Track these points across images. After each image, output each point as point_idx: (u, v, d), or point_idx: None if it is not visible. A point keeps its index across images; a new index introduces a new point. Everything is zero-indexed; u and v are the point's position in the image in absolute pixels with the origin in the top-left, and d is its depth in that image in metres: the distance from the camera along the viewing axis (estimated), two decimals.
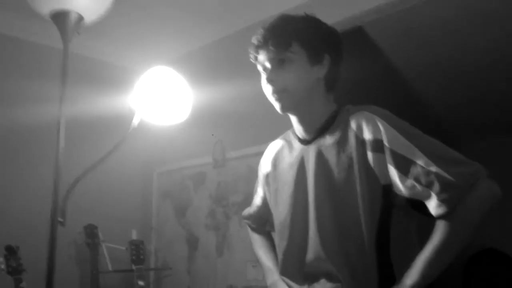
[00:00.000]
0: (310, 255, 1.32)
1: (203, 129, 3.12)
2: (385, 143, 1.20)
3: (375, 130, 1.22)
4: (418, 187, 1.17)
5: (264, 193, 1.56)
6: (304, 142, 1.37)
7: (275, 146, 1.52)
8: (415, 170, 1.17)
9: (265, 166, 1.54)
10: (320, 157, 1.30)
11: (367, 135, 1.22)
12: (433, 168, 1.15)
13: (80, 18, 1.57)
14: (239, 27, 3.07)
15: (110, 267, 2.99)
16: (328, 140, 1.30)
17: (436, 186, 1.14)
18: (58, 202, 1.53)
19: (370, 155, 1.22)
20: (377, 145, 1.21)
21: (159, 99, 1.62)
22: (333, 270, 1.26)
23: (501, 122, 4.49)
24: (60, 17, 1.54)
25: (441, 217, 1.15)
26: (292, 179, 1.37)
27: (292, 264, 1.37)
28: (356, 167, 1.23)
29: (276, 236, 1.47)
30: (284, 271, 1.41)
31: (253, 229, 1.66)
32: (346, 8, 2.59)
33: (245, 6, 2.95)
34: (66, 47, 1.55)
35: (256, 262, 1.67)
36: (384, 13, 2.58)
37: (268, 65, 1.32)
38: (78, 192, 1.65)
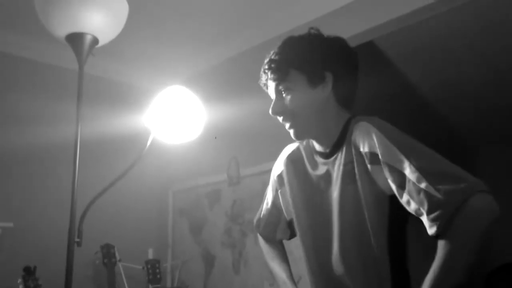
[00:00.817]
0: (335, 266, 1.31)
1: (217, 147, 3.13)
2: (380, 156, 1.17)
3: (370, 142, 1.20)
4: (413, 204, 1.13)
5: (276, 196, 1.52)
6: (323, 155, 1.35)
7: (289, 149, 1.49)
8: (408, 186, 1.13)
9: (279, 166, 1.51)
10: (337, 174, 1.29)
11: (365, 148, 1.21)
12: (423, 185, 1.09)
13: (95, 40, 1.60)
14: (251, 44, 3.09)
15: (127, 287, 2.99)
16: (343, 153, 1.29)
17: (425, 205, 1.09)
18: (75, 222, 1.54)
19: (369, 167, 1.20)
20: (374, 158, 1.19)
21: (173, 118, 1.63)
22: (349, 285, 1.26)
23: None
24: (75, 40, 1.57)
25: (436, 236, 1.10)
26: (317, 188, 1.35)
27: (315, 265, 1.37)
28: (359, 182, 1.22)
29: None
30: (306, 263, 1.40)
31: (264, 238, 1.60)
32: (357, 23, 2.60)
33: (258, 24, 2.98)
34: (81, 69, 1.58)
35: (273, 280, 1.65)
36: (396, 27, 2.59)
37: (273, 96, 1.34)
38: (94, 212, 1.66)
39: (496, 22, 2.83)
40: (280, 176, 1.49)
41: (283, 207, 1.50)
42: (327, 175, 1.32)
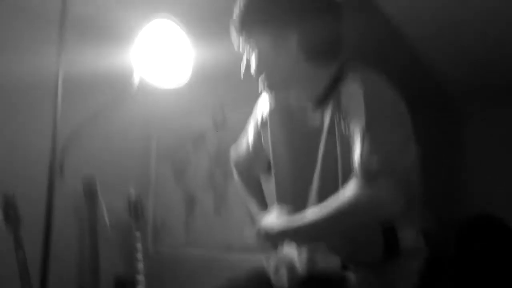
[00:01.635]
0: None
1: (204, 89, 3.10)
2: (346, 104, 1.19)
3: (351, 100, 1.19)
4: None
5: (258, 136, 1.51)
6: (313, 104, 1.32)
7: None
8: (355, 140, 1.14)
9: (264, 110, 1.48)
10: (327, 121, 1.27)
11: (345, 103, 1.20)
12: (367, 142, 1.11)
13: None
14: None
15: (107, 220, 3.02)
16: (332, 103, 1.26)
17: (359, 165, 1.11)
18: (56, 152, 1.54)
19: (340, 123, 1.21)
20: (344, 116, 1.20)
21: (160, 58, 1.59)
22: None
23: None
24: None
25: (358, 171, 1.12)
26: (305, 138, 1.34)
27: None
28: (337, 132, 1.22)
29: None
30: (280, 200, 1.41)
31: (240, 174, 1.62)
32: None
33: None
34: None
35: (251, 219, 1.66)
36: None
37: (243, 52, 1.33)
38: (78, 146, 1.66)
39: None
40: (263, 121, 1.47)
41: (264, 146, 1.48)
42: (319, 122, 1.30)
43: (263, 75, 1.29)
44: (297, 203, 1.32)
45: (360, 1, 2.94)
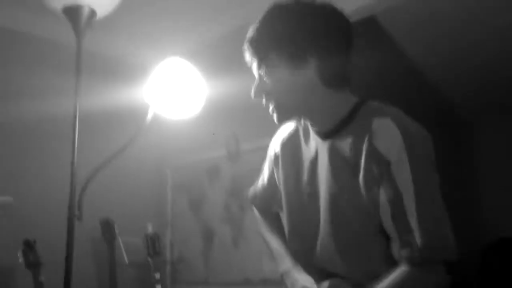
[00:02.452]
0: (319, 252, 1.30)
1: (217, 122, 3.12)
2: (390, 165, 1.14)
3: (391, 146, 1.15)
4: (389, 225, 1.15)
5: (272, 173, 1.49)
6: (320, 135, 1.29)
7: (288, 128, 1.44)
8: (397, 208, 1.14)
9: (275, 146, 1.46)
10: (335, 161, 1.24)
11: (382, 147, 1.16)
12: (412, 221, 1.12)
13: (93, 13, 1.58)
14: (253, 17, 3.04)
15: (126, 261, 3.01)
16: (346, 141, 1.22)
17: (402, 239, 1.13)
18: (75, 197, 1.54)
19: (374, 167, 1.16)
20: (382, 162, 1.15)
21: (173, 91, 1.61)
22: (346, 273, 1.25)
23: None
24: (72, 12, 1.55)
25: (404, 261, 1.15)
26: (307, 170, 1.32)
27: (297, 250, 1.36)
28: (362, 178, 1.18)
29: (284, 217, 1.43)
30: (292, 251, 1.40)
31: (259, 210, 1.58)
32: None
33: None
34: (79, 42, 1.56)
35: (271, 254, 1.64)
36: (398, 2, 2.55)
37: (256, 74, 1.29)
38: (93, 186, 1.66)
39: None
40: (276, 156, 1.45)
41: (278, 184, 1.47)
42: (316, 157, 1.29)
43: (275, 101, 1.24)
44: (306, 239, 1.31)
45: (375, 33, 2.99)
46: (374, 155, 1.15)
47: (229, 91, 2.95)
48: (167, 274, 3.37)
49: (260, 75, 1.26)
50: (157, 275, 2.85)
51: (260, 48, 1.23)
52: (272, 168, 1.48)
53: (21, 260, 2.53)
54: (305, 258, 1.33)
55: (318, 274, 1.30)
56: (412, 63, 3.56)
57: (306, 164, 1.33)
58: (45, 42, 3.12)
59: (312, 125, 1.30)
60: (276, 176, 1.46)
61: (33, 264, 2.51)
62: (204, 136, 3.23)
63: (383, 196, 1.15)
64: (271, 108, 1.26)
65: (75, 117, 1.54)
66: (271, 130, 2.85)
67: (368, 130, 1.17)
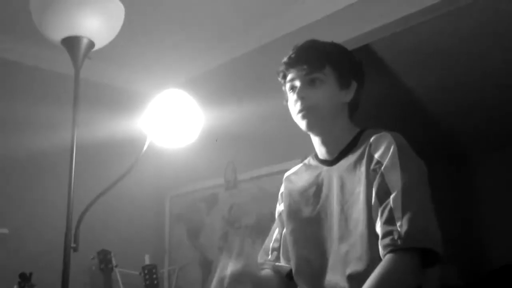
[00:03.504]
0: (331, 276, 1.30)
1: (214, 151, 3.12)
2: (382, 168, 1.23)
3: (384, 152, 1.25)
4: (378, 221, 1.21)
5: (280, 228, 1.52)
6: (326, 163, 1.38)
7: (289, 172, 1.54)
8: (385, 206, 1.20)
9: (282, 186, 1.54)
10: (343, 179, 1.32)
11: (377, 153, 1.26)
12: (398, 213, 1.17)
13: (91, 44, 1.59)
14: (248, 49, 3.09)
15: None
16: (350, 159, 1.32)
17: (387, 232, 1.18)
18: (71, 228, 1.53)
19: (370, 170, 1.26)
20: (376, 163, 1.25)
21: (170, 121, 1.62)
22: None
23: None
24: (71, 44, 1.56)
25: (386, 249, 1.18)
26: (316, 198, 1.37)
27: (307, 274, 1.36)
28: (363, 182, 1.26)
29: (284, 243, 1.45)
30: (298, 277, 1.39)
31: (272, 268, 1.51)
32: (353, 27, 2.60)
33: (255, 28, 2.97)
34: (77, 73, 1.57)
35: None
36: (392, 31, 2.58)
37: (298, 83, 1.35)
38: (90, 217, 1.65)
39: (494, 24, 2.83)
40: (281, 195, 1.52)
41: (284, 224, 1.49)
42: (328, 182, 1.36)
43: (313, 109, 1.33)
44: (315, 265, 1.33)
45: (370, 62, 3.03)
46: (370, 159, 1.27)
47: (226, 121, 2.96)
48: None
49: (308, 82, 1.34)
50: None
51: (320, 58, 1.34)
52: (282, 223, 1.51)
53: None
54: (313, 284, 1.35)
55: None
56: (410, 95, 3.60)
57: (310, 191, 1.39)
58: (44, 74, 3.15)
59: (323, 146, 1.39)
60: (282, 218, 1.50)
61: None
62: (201, 165, 3.22)
63: (374, 194, 1.22)
64: (303, 113, 1.34)
65: (72, 148, 1.53)
66: (268, 160, 2.88)
67: (368, 144, 1.29)
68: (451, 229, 4.60)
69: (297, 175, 1.49)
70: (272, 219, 1.59)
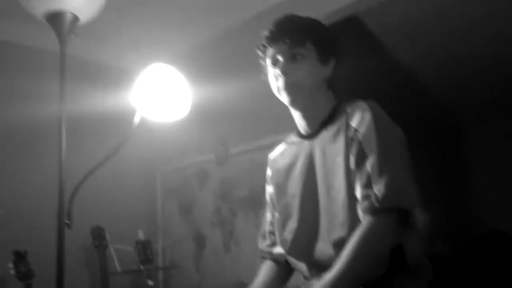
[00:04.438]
0: (320, 245, 1.32)
1: (205, 126, 3.12)
2: (359, 135, 1.27)
3: (361, 120, 1.29)
4: (358, 183, 1.25)
5: (271, 203, 1.56)
6: (307, 137, 1.42)
7: (272, 153, 1.57)
8: (362, 171, 1.24)
9: (268, 168, 1.57)
10: (324, 150, 1.35)
11: (354, 122, 1.30)
12: (375, 177, 1.21)
13: (75, 19, 1.57)
14: (237, 22, 3.05)
15: (118, 268, 2.99)
16: (330, 131, 1.35)
17: (364, 196, 1.23)
18: (64, 205, 1.53)
19: (349, 138, 1.30)
20: (353, 131, 1.29)
21: (159, 96, 1.61)
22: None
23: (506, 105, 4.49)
24: (55, 18, 1.54)
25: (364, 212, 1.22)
26: (301, 171, 1.40)
27: (301, 246, 1.39)
28: (342, 151, 1.30)
29: (279, 222, 1.47)
30: (292, 251, 1.42)
31: (269, 256, 1.56)
32: None
33: (243, 1, 2.93)
34: (63, 48, 1.55)
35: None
36: (382, 0, 2.56)
37: (280, 58, 1.36)
38: (83, 194, 1.65)
39: None
40: (267, 177, 1.57)
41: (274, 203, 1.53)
42: (310, 155, 1.39)
43: (295, 85, 1.34)
44: (306, 240, 1.36)
45: (366, 42, 3.01)
46: (348, 129, 1.30)
47: (216, 96, 2.95)
48: (159, 280, 3.36)
49: (290, 57, 1.35)
50: (150, 282, 2.85)
51: (301, 33, 1.35)
52: (272, 203, 1.54)
53: (12, 272, 2.50)
54: (305, 256, 1.38)
55: (316, 268, 1.35)
56: (400, 66, 3.58)
57: (295, 167, 1.43)
58: (29, 50, 3.10)
59: (303, 120, 1.42)
60: (273, 198, 1.53)
61: (25, 276, 2.49)
62: (192, 140, 3.22)
63: (352, 160, 1.26)
64: (287, 90, 1.36)
65: (60, 124, 1.52)
66: (258, 133, 2.88)
67: (345, 114, 1.33)
68: (440, 198, 4.68)
69: (280, 154, 1.53)
70: (264, 192, 1.61)
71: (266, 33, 1.38)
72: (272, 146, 1.65)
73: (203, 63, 3.23)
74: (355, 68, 2.96)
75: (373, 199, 1.20)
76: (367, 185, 1.22)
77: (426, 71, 3.64)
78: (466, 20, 3.05)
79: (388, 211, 1.19)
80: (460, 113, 4.68)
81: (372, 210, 1.19)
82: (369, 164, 1.23)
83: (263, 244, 1.57)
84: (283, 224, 1.44)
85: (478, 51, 3.44)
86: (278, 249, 1.50)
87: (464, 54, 3.45)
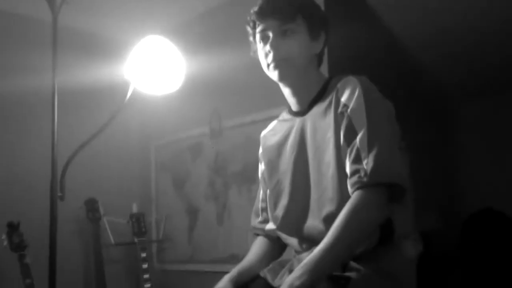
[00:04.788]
0: (311, 220, 1.33)
1: (199, 99, 3.10)
2: (348, 110, 1.27)
3: (350, 95, 1.29)
4: (347, 159, 1.26)
5: (263, 186, 1.57)
6: (298, 114, 1.42)
7: (265, 131, 1.57)
8: (353, 147, 1.25)
9: (260, 156, 1.58)
10: (315, 126, 1.35)
11: (344, 97, 1.30)
12: (364, 152, 1.22)
13: None
14: None
15: (112, 241, 3.01)
16: (321, 107, 1.36)
17: (354, 169, 1.23)
18: (57, 176, 1.53)
19: (338, 113, 1.30)
20: (344, 108, 1.29)
21: (153, 68, 1.60)
22: None
23: (499, 83, 4.49)
24: None
25: (353, 187, 1.23)
26: (292, 147, 1.41)
27: (292, 222, 1.40)
28: (332, 127, 1.30)
29: (270, 199, 1.48)
30: (282, 227, 1.43)
31: (264, 233, 1.56)
32: None
33: None
34: (55, 18, 1.52)
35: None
36: None
37: (270, 34, 1.35)
38: (76, 166, 1.64)
39: None
40: (260, 155, 1.56)
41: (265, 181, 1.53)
42: (301, 131, 1.39)
43: (286, 60, 1.34)
44: (297, 216, 1.37)
45: (360, 12, 2.97)
46: (337, 104, 1.30)
47: (210, 69, 2.93)
48: (153, 252, 3.38)
49: (280, 33, 1.34)
50: (143, 254, 2.87)
51: (291, 9, 1.34)
52: (264, 180, 1.54)
53: (5, 243, 2.51)
54: (296, 232, 1.39)
55: (307, 243, 1.36)
56: (396, 39, 3.56)
57: (287, 144, 1.43)
58: (21, 20, 3.05)
59: (293, 97, 1.42)
60: (265, 175, 1.53)
61: (18, 247, 2.51)
62: (186, 113, 3.21)
63: (342, 136, 1.27)
64: (274, 64, 1.35)
65: (53, 95, 1.51)
66: (253, 107, 2.87)
67: (335, 90, 1.33)
68: (431, 177, 4.72)
69: (272, 131, 1.52)
70: (258, 166, 1.62)
71: (255, 9, 1.37)
72: (266, 121, 1.64)
73: (197, 35, 3.19)
74: (349, 39, 2.94)
75: (362, 174, 1.20)
76: (357, 160, 1.22)
77: (418, 43, 3.63)
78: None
79: (377, 185, 1.20)
80: (451, 87, 4.68)
81: (361, 185, 1.20)
82: (358, 138, 1.24)
83: (255, 221, 1.58)
84: (275, 201, 1.45)
85: (473, 28, 3.41)
86: (270, 225, 1.51)
87: (458, 31, 3.43)
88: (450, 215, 4.64)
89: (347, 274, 1.23)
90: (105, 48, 3.29)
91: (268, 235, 1.53)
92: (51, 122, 1.54)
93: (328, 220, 1.26)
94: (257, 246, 1.54)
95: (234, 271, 1.46)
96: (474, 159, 4.96)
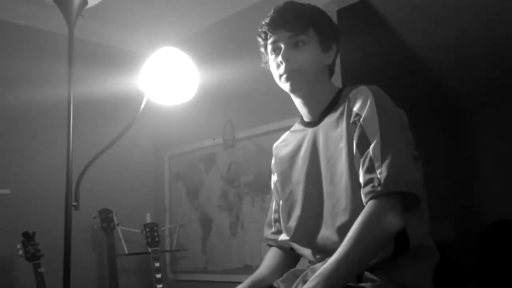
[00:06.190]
0: (324, 231, 1.33)
1: (212, 110, 3.12)
2: (361, 119, 1.27)
3: (362, 104, 1.28)
4: (361, 169, 1.24)
5: (276, 197, 1.57)
6: (310, 124, 1.42)
7: (277, 142, 1.58)
8: (366, 157, 1.24)
9: (272, 167, 1.58)
10: (327, 136, 1.35)
11: (356, 107, 1.29)
12: (377, 162, 1.21)
13: (84, 1, 1.56)
14: (245, 6, 3.03)
15: (126, 250, 3.02)
16: (332, 117, 1.36)
17: (368, 180, 1.22)
18: (71, 186, 1.54)
19: (351, 124, 1.29)
20: (355, 116, 1.29)
21: (166, 79, 1.61)
22: None
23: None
24: (63, 1, 1.53)
25: (367, 196, 1.22)
26: (305, 158, 1.40)
27: (305, 233, 1.39)
28: (345, 136, 1.30)
29: (283, 210, 1.48)
30: (296, 238, 1.43)
31: (277, 244, 1.55)
32: None
33: None
34: (71, 31, 1.55)
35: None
36: None
37: (282, 45, 1.36)
38: (90, 176, 1.66)
39: None
40: (272, 166, 1.56)
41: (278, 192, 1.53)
42: (313, 142, 1.39)
43: (297, 72, 1.34)
44: (310, 227, 1.36)
45: (373, 23, 2.97)
46: (350, 114, 1.30)
47: (223, 80, 2.94)
48: (166, 262, 3.39)
49: (292, 44, 1.35)
50: (157, 264, 2.88)
51: (303, 20, 1.35)
52: (277, 191, 1.54)
53: (21, 252, 2.54)
54: (309, 243, 1.39)
55: (321, 254, 1.36)
56: (410, 50, 3.55)
57: (299, 154, 1.43)
58: (38, 33, 3.10)
59: (305, 107, 1.42)
60: (278, 187, 1.53)
61: (33, 256, 2.53)
62: (200, 124, 3.23)
63: (354, 145, 1.26)
64: (286, 76, 1.36)
65: (69, 107, 1.53)
66: (266, 118, 2.87)
67: (347, 100, 1.33)
68: (447, 186, 4.67)
69: (284, 142, 1.52)
70: (270, 177, 1.62)
71: (267, 20, 1.38)
72: (279, 132, 1.65)
73: (211, 46, 3.21)
74: (362, 51, 2.94)
75: (376, 183, 1.19)
76: (370, 169, 1.21)
77: (432, 53, 3.62)
78: (481, 11, 3.01)
79: (391, 194, 1.19)
80: (466, 96, 4.65)
81: (375, 194, 1.19)
82: (372, 148, 1.23)
83: (268, 232, 1.57)
84: (288, 212, 1.44)
85: (489, 36, 3.39)
86: (283, 236, 1.51)
87: (475, 39, 3.41)
88: (466, 226, 4.58)
89: (362, 285, 1.22)
90: (120, 60, 3.33)
91: (281, 246, 1.53)
92: (66, 132, 1.56)
93: (342, 230, 1.26)
94: (270, 257, 1.53)
95: (247, 281, 1.46)
96: (491, 169, 4.90)
